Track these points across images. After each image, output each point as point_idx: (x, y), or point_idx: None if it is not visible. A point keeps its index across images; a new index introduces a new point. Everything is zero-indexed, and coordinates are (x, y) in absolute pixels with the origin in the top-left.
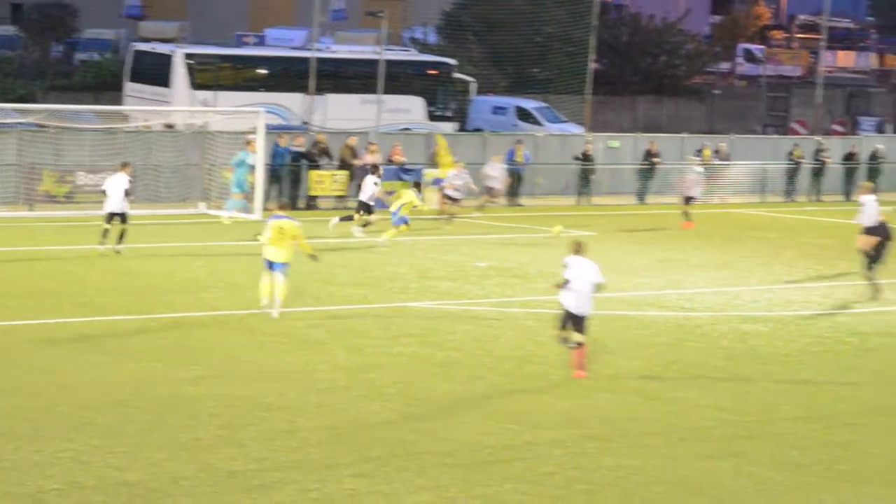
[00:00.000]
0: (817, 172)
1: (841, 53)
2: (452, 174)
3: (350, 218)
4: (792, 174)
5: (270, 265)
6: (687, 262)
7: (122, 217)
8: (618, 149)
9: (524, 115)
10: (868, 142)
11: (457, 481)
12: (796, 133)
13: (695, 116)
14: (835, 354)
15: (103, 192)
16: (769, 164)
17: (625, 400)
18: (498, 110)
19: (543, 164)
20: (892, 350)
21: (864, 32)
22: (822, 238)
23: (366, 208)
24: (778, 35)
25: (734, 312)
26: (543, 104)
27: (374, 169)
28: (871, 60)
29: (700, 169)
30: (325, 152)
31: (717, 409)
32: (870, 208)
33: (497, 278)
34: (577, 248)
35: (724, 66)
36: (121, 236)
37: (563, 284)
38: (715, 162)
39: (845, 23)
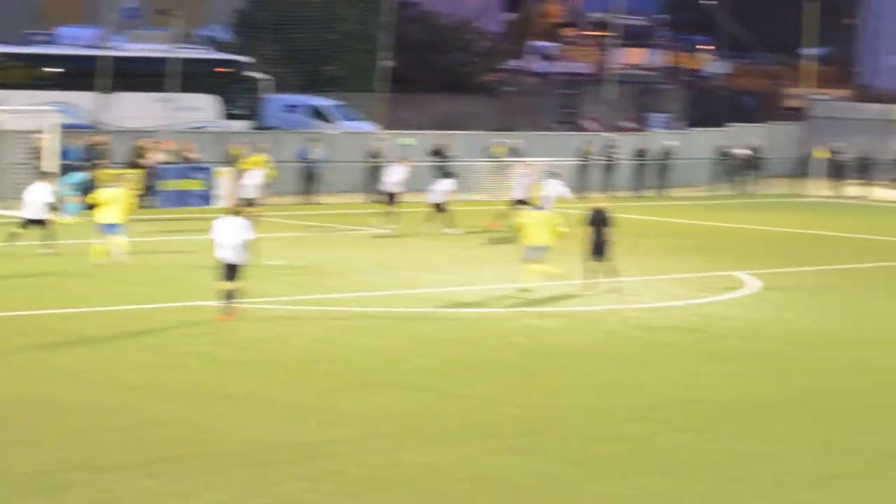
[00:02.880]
0: (608, 168)
1: (633, 51)
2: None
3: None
4: (583, 170)
5: (108, 227)
6: (483, 258)
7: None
8: (412, 146)
9: (317, 113)
10: (658, 138)
11: (249, 480)
12: (588, 129)
13: (487, 113)
14: (624, 349)
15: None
16: (561, 161)
17: (417, 397)
18: (290, 108)
19: (336, 162)
20: (679, 345)
21: (657, 30)
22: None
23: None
24: (570, 32)
25: (527, 308)
26: (337, 102)
27: None
28: (664, 58)
29: (525, 170)
30: (101, 154)
31: (509, 405)
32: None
33: (290, 276)
34: (234, 212)
35: (517, 63)
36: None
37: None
38: (506, 159)
39: (637, 20)
